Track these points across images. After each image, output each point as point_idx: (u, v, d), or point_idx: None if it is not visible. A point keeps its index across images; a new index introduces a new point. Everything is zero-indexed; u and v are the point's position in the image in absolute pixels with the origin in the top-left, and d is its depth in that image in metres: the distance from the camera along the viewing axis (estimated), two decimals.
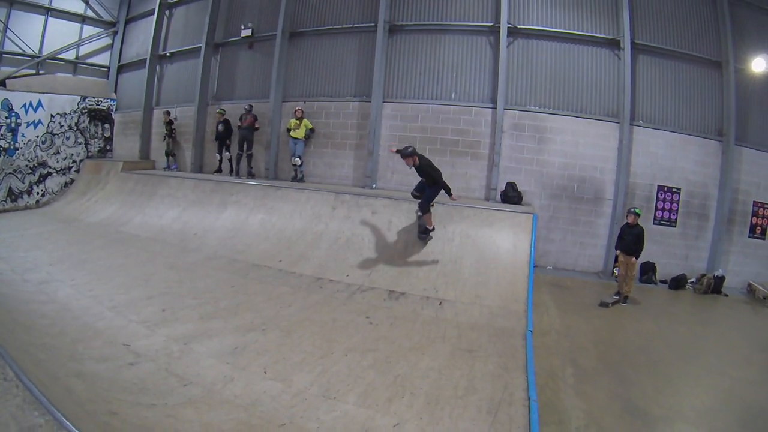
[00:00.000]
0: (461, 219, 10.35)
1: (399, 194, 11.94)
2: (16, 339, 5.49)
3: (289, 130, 14.65)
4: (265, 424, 4.72)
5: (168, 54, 19.30)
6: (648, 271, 12.10)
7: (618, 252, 10.35)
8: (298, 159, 14.50)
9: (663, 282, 12.05)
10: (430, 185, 9.28)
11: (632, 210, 10.26)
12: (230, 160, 16.21)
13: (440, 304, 8.24)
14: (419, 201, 9.49)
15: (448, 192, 9.04)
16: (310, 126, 14.73)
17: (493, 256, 9.51)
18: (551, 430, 5.13)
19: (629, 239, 10.11)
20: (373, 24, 14.32)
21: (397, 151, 9.41)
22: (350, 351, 6.20)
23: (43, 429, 3.29)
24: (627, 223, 10.33)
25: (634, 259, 10.15)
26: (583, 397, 6.00)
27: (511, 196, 12.28)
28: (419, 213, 9.69)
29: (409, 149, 9.08)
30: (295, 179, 14.55)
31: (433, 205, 9.54)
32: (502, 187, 12.73)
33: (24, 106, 17.84)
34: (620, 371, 6.84)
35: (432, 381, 5.60)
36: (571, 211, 12.63)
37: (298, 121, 14.48)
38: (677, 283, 11.76)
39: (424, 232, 9.72)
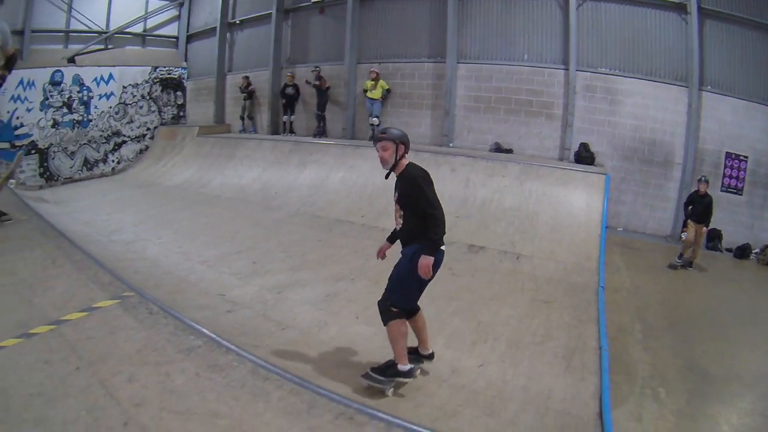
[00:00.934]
0: (537, 177, 10.55)
1: (476, 152, 12.28)
2: None
3: (365, 91, 14.97)
4: (361, 363, 5.13)
5: (238, 21, 19.72)
6: (714, 238, 11.97)
7: (688, 221, 10.28)
8: (375, 119, 14.84)
9: (728, 250, 11.89)
10: (412, 234, 4.68)
11: (704, 178, 10.18)
12: (291, 123, 16.82)
13: (518, 258, 8.58)
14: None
15: (430, 249, 4.45)
16: (387, 87, 15.00)
17: (567, 214, 9.73)
18: (619, 378, 5.34)
19: (700, 208, 10.08)
20: None
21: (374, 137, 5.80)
22: (435, 299, 6.50)
23: (202, 349, 3.81)
24: (697, 191, 10.25)
25: (704, 227, 10.19)
26: (649, 351, 6.23)
27: (585, 156, 12.39)
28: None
29: (393, 132, 4.63)
30: (372, 138, 14.77)
31: (396, 310, 4.55)
32: (575, 147, 12.83)
33: (95, 79, 18.77)
34: (684, 331, 7.02)
35: (512, 328, 6.03)
36: (641, 173, 12.62)
37: (373, 82, 14.78)
38: (742, 252, 11.58)
39: (383, 372, 4.56)
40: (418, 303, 4.81)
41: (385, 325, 4.54)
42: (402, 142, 4.58)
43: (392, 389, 4.49)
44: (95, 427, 2.66)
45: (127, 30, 20.47)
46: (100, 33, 19.55)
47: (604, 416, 4.28)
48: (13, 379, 3.10)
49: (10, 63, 6.55)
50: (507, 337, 5.81)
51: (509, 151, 13.41)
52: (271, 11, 17.76)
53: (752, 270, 10.99)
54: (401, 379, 4.57)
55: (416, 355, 4.93)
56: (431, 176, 4.60)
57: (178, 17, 22.37)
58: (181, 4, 22.15)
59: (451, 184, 10.87)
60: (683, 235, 10.42)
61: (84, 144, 18.53)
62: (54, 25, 18.48)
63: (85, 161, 18.58)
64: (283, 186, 13.19)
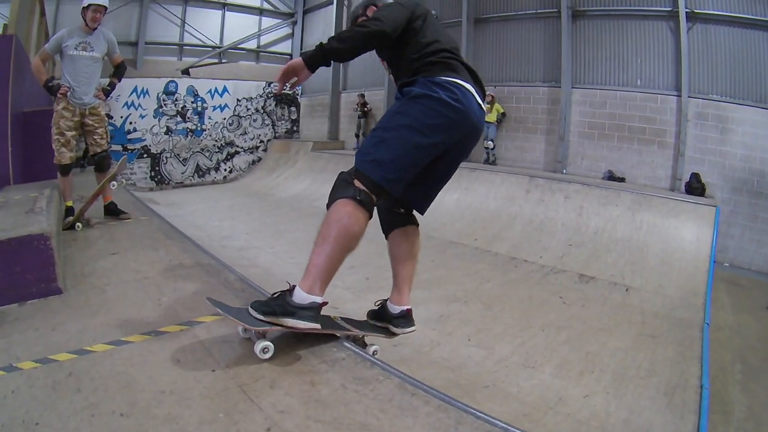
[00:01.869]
0: (649, 208, 10.51)
1: (589, 180, 12.33)
2: None
3: None
4: (471, 384, 5.52)
5: None
6: None
7: None
8: (490, 142, 15.15)
9: None
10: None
11: None
12: None
13: (627, 290, 8.68)
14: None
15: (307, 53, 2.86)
16: (502, 110, 15.27)
17: (676, 247, 9.67)
18: (717, 418, 5.47)
19: None
20: (556, 10, 14.65)
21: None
22: (546, 327, 6.97)
23: (346, 362, 3.59)
24: None
25: None
26: (748, 392, 6.31)
27: (696, 187, 12.30)
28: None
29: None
30: (487, 162, 15.20)
31: (361, 185, 2.94)
32: (686, 177, 12.73)
33: (209, 91, 20.28)
34: None
35: (618, 360, 6.29)
36: (750, 206, 12.30)
37: (489, 106, 14.96)
38: None
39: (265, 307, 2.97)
40: (420, 215, 3.75)
41: (328, 205, 3.03)
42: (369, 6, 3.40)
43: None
44: (235, 429, 2.62)
45: (240, 46, 21.66)
46: (213, 47, 20.86)
47: None
48: (141, 376, 3.03)
49: (119, 71, 7.05)
50: (613, 369, 6.04)
51: (622, 179, 13.44)
52: None
53: None
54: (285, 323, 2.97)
55: (382, 310, 3.86)
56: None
57: (291, 35, 23.50)
58: (295, 23, 23.24)
59: (564, 212, 11.01)
60: None
61: (197, 152, 20.02)
62: (167, 38, 19.91)
63: (197, 168, 20.08)
64: None
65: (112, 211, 7.34)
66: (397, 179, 2.91)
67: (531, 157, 15.34)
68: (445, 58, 2.99)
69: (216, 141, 20.66)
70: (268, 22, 22.89)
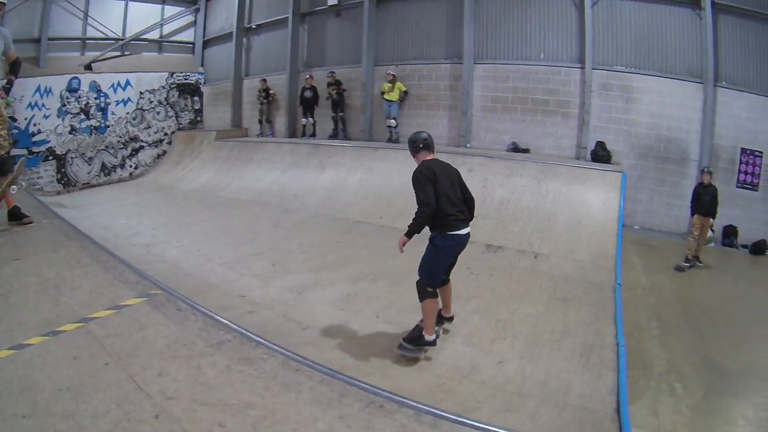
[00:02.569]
0: (554, 176, 10.57)
1: (493, 152, 12.34)
2: None
3: (383, 93, 15.06)
4: (382, 361, 5.31)
5: (254, 26, 19.95)
6: (730, 234, 11.92)
7: (695, 216, 10.13)
8: (393, 121, 14.94)
9: (744, 246, 11.77)
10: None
11: (707, 169, 10.17)
12: (313, 125, 16.93)
13: (535, 257, 8.62)
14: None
15: (407, 232, 5.18)
16: (404, 88, 15.07)
17: (584, 213, 9.74)
18: (636, 374, 5.46)
19: (706, 200, 9.95)
20: None
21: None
22: (455, 298, 6.49)
23: (232, 343, 3.93)
24: (701, 183, 10.20)
25: (712, 219, 10.06)
26: (666, 348, 6.34)
27: (601, 155, 12.42)
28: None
29: (421, 135, 5.67)
30: (390, 140, 15.00)
31: (431, 289, 5.31)
32: (592, 146, 12.86)
33: (112, 86, 19.15)
34: (700, 327, 7.06)
35: (530, 325, 6.12)
36: (657, 171, 12.60)
37: (390, 85, 14.87)
38: (758, 248, 11.46)
39: (413, 342, 5.36)
40: (450, 278, 5.75)
41: (420, 302, 5.25)
42: (411, 149, 5.66)
43: (423, 355, 5.33)
44: (126, 420, 2.77)
45: (143, 36, 20.76)
46: (116, 40, 19.86)
47: (622, 411, 4.37)
48: (41, 376, 3.18)
49: (15, 68, 6.78)
50: (525, 335, 5.90)
51: (526, 150, 13.48)
52: (287, 15, 17.92)
53: None
54: (427, 347, 5.33)
55: (439, 318, 5.62)
56: (430, 172, 5.29)
57: (194, 23, 22.66)
58: (197, 10, 22.43)
59: (469, 185, 10.64)
60: (690, 237, 10.25)
61: (101, 150, 18.88)
62: (70, 32, 18.76)
63: (103, 167, 18.92)
64: (302, 188, 13.34)
65: (15, 216, 7.26)
66: (435, 281, 5.37)
67: (435, 133, 14.53)
68: (445, 216, 5.20)
69: (120, 137, 19.53)
70: (170, 10, 21.85)
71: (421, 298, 5.25)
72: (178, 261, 8.80)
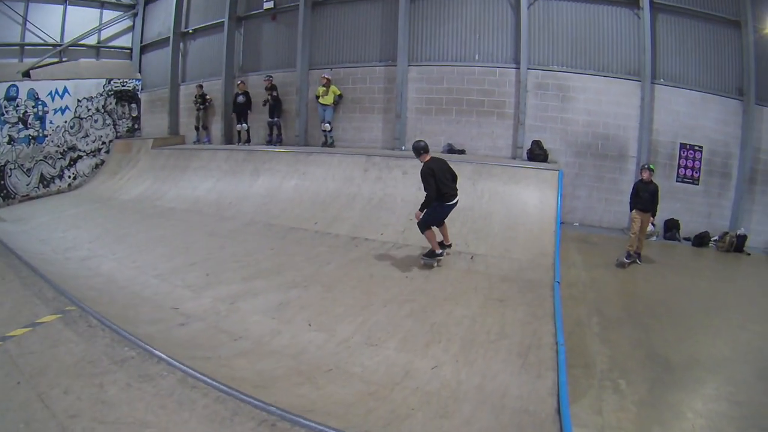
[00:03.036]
0: (489, 177, 10.54)
1: None
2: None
3: (317, 97, 14.81)
4: (313, 370, 5.08)
5: (191, 31, 19.47)
6: (672, 228, 12.07)
7: (633, 211, 10.04)
8: (327, 125, 14.70)
9: (686, 239, 11.96)
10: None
11: (647, 166, 10.01)
12: (248, 131, 16.66)
13: (471, 258, 8.51)
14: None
15: (421, 207, 7.80)
16: (338, 92, 14.88)
17: (521, 212, 9.72)
18: (578, 372, 5.35)
19: (646, 196, 9.86)
20: None
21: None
22: (388, 302, 6.51)
23: (135, 359, 3.80)
24: (641, 179, 10.10)
25: (651, 216, 10.02)
26: (608, 343, 6.23)
27: (537, 154, 12.40)
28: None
29: (420, 143, 8.00)
30: (325, 144, 14.79)
31: (429, 226, 7.99)
32: (528, 145, 12.83)
33: (50, 93, 18.43)
34: (643, 321, 7.00)
35: (466, 328, 5.94)
36: (596, 168, 12.67)
37: (325, 89, 14.65)
38: (700, 240, 11.67)
39: (429, 255, 8.18)
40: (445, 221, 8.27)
41: (422, 233, 8.05)
42: (415, 153, 8.07)
43: (437, 263, 8.11)
44: None
45: (81, 42, 20.13)
46: (54, 45, 19.20)
47: (562, 411, 4.23)
48: None
49: None
50: (461, 337, 5.73)
51: (462, 152, 13.43)
52: (223, 19, 17.53)
53: (711, 257, 11.17)
54: (438, 257, 8.15)
55: (441, 245, 8.22)
56: (429, 170, 7.70)
57: (131, 28, 22.04)
58: (135, 15, 21.84)
59: (403, 187, 10.93)
60: (630, 233, 10.10)
61: (40, 160, 18.15)
62: (8, 38, 18.12)
63: (42, 178, 18.21)
64: (238, 195, 13.04)
65: None
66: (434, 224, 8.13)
67: (369, 137, 14.99)
68: (442, 194, 7.74)
69: (59, 147, 18.75)
70: (109, 15, 21.17)
71: (422, 231, 8.02)
72: (113, 274, 8.49)
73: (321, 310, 6.63)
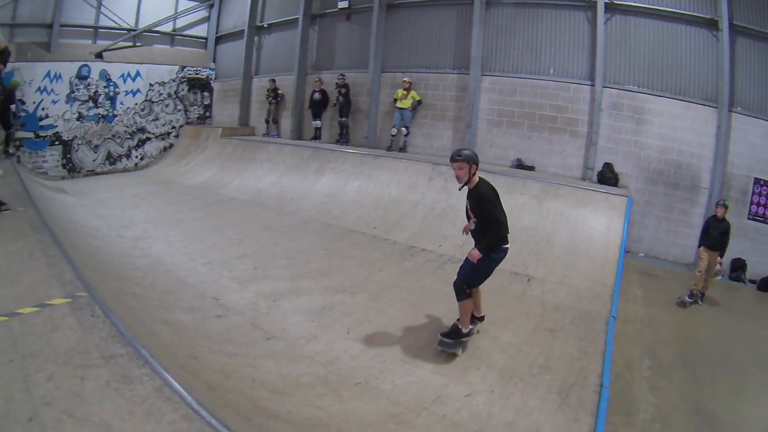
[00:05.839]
0: (556, 197, 10.26)
1: (495, 168, 11.93)
2: (107, 287, 6.00)
3: (395, 100, 14.71)
4: (341, 381, 5.04)
5: (265, 25, 19.79)
6: (738, 268, 11.31)
7: (701, 248, 9.54)
8: (404, 129, 14.59)
9: (752, 281, 11.16)
10: (480, 236, 5.71)
11: (722, 202, 9.50)
12: (319, 129, 16.81)
13: (528, 281, 8.20)
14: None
15: (482, 248, 5.56)
16: (418, 98, 14.70)
17: (585, 236, 9.37)
18: (617, 420, 5.09)
19: (715, 234, 9.37)
20: None
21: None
22: (435, 319, 6.42)
23: (123, 358, 3.79)
24: (714, 216, 9.58)
25: (719, 256, 9.41)
26: (656, 391, 5.91)
27: (608, 177, 12.01)
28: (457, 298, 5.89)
29: (465, 152, 5.76)
30: (390, 149, 14.68)
31: (470, 290, 5.84)
32: (599, 167, 12.42)
33: (122, 75, 19.12)
34: (696, 369, 6.63)
35: (509, 356, 5.77)
36: (666, 197, 12.06)
37: (405, 92, 14.52)
38: (766, 284, 10.82)
39: (451, 336, 5.82)
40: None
41: (459, 302, 5.77)
42: (474, 162, 5.66)
43: (461, 350, 5.77)
44: (4, 417, 2.93)
45: (155, 29, 20.66)
46: (128, 30, 19.78)
47: None
48: None
49: (4, 56, 6.89)
50: (501, 366, 5.55)
51: (531, 168, 13.05)
52: (298, 16, 17.73)
53: None
54: (465, 339, 5.83)
55: (472, 319, 5.99)
56: (496, 191, 5.82)
57: (207, 18, 22.58)
58: (211, 6, 22.34)
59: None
60: (696, 271, 9.55)
61: (108, 138, 18.87)
62: (83, 20, 18.67)
63: (108, 155, 18.91)
64: (300, 192, 13.12)
65: None
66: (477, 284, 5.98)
67: (438, 144, 14.78)
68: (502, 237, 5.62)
69: (128, 127, 19.50)
70: (184, 4, 21.76)
71: (460, 299, 5.75)
72: (162, 257, 8.59)
73: (363, 319, 6.56)
